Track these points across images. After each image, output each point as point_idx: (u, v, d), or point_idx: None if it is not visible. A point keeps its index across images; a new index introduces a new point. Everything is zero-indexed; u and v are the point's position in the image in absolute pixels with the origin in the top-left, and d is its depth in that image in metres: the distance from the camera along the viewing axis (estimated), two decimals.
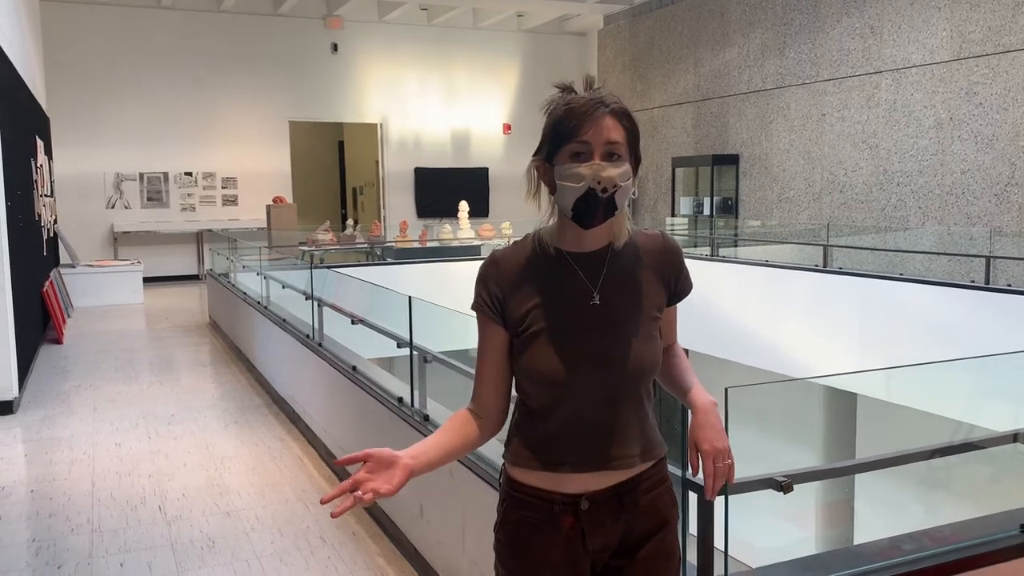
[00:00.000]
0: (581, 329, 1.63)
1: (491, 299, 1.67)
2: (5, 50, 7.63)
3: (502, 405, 1.72)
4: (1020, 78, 9.18)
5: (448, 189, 16.01)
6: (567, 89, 1.63)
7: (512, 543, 1.71)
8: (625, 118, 1.60)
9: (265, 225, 13.63)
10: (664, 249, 1.73)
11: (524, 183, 1.68)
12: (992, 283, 7.09)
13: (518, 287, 1.65)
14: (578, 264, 1.66)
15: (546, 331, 1.62)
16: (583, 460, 1.64)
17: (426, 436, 3.61)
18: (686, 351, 1.87)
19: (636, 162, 1.63)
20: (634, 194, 1.67)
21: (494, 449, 2.55)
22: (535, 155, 1.66)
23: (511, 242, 1.77)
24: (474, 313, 1.71)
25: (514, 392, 1.73)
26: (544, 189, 1.66)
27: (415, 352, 3.88)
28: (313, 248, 10.22)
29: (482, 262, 1.71)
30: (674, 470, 2.18)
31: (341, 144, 20.10)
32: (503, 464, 1.75)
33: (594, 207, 1.58)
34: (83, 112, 14.18)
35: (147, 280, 12.92)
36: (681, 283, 1.74)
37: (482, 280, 1.68)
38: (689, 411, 1.72)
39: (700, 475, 1.68)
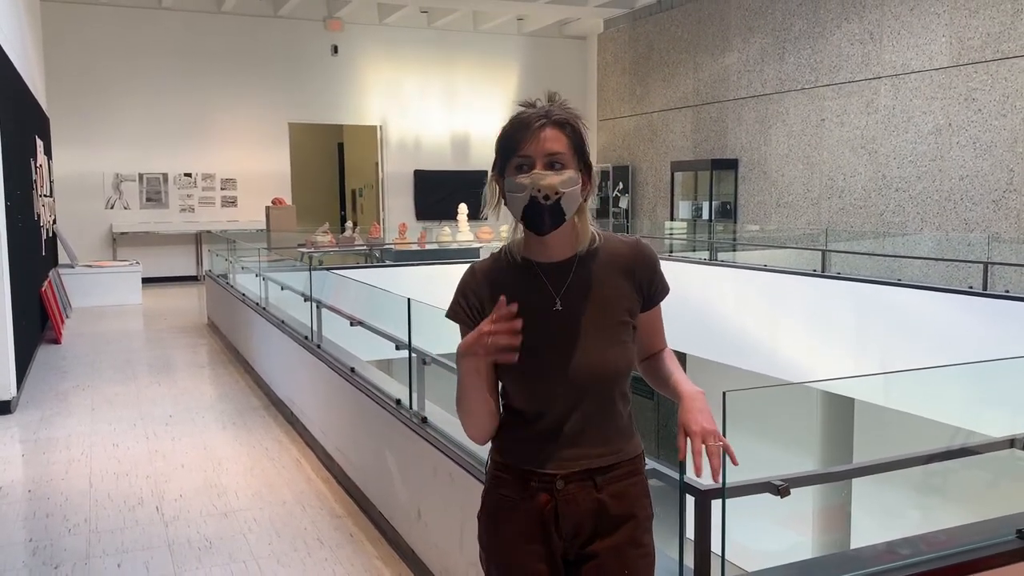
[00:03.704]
0: (544, 336, 1.70)
1: (469, 308, 1.76)
2: (5, 49, 7.63)
3: (495, 398, 1.79)
4: (1019, 84, 9.20)
5: (447, 191, 16.00)
6: (530, 106, 1.71)
7: (490, 522, 1.80)
8: (567, 127, 1.67)
9: (264, 226, 13.62)
10: (637, 255, 1.79)
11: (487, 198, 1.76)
12: (990, 289, 7.10)
13: (492, 297, 1.73)
14: (545, 273, 1.74)
15: None
16: (557, 456, 1.72)
17: (424, 439, 3.62)
18: (683, 356, 1.89)
19: (586, 168, 1.71)
20: (592, 197, 1.75)
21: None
22: (492, 170, 1.74)
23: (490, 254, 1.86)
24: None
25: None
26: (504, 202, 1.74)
27: (414, 354, 3.89)
28: (312, 250, 10.22)
29: (462, 273, 1.80)
30: (671, 472, 2.18)
31: (341, 146, 20.09)
32: (489, 453, 1.83)
33: (540, 213, 1.65)
34: (83, 112, 14.18)
35: (146, 281, 12.92)
36: (655, 287, 1.80)
37: (461, 290, 1.78)
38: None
39: (686, 471, 1.69)
